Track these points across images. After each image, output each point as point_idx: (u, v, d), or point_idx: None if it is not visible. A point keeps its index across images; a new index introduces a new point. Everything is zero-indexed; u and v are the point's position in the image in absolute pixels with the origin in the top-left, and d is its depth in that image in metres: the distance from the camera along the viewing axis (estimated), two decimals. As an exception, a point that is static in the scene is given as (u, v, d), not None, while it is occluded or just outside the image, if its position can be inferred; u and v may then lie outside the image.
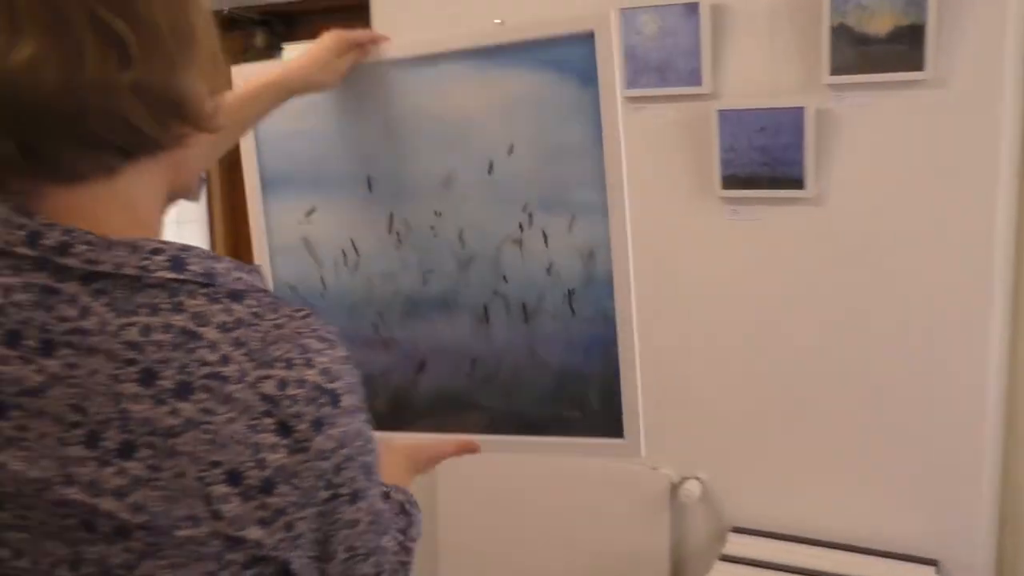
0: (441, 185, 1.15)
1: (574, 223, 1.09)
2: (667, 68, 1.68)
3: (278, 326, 0.71)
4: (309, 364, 0.71)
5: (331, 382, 0.72)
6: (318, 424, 0.72)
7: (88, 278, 0.71)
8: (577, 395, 1.13)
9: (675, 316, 1.73)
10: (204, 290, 0.71)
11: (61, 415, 0.70)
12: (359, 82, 1.17)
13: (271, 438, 0.70)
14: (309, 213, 1.23)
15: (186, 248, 0.71)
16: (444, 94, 1.13)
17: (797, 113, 1.56)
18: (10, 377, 0.69)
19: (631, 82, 1.70)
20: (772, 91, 1.61)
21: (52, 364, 0.69)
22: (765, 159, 1.62)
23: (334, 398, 0.72)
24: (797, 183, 1.59)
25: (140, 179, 0.75)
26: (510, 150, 1.11)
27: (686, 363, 1.73)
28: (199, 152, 0.80)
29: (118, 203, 0.74)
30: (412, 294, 1.19)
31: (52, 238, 0.70)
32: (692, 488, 1.70)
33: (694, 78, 1.65)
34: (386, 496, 0.88)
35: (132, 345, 0.69)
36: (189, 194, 0.84)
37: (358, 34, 1.17)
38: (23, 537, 0.71)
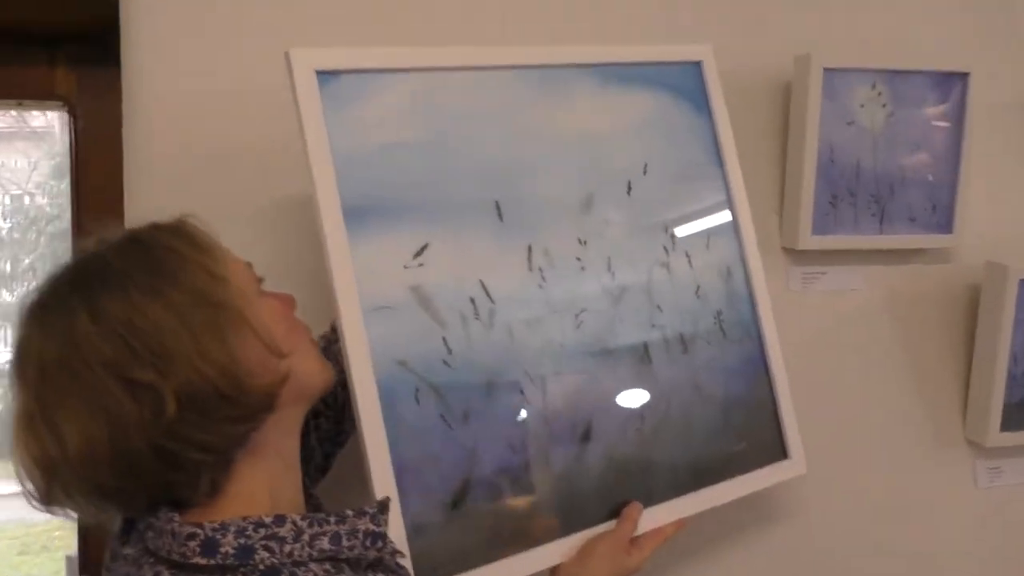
0: (581, 209, 0.99)
1: (710, 241, 1.07)
2: (893, 195, 1.11)
3: None
4: None
5: None
6: None
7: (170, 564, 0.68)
8: (741, 424, 1.06)
9: None
10: (241, 570, 0.67)
11: None
12: (474, 89, 0.94)
13: None
14: (419, 252, 0.88)
15: (224, 526, 0.68)
16: (571, 110, 1.00)
17: None
18: None
19: (821, 223, 1.12)
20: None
21: None
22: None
23: None
24: None
25: (247, 456, 0.72)
26: (644, 170, 1.04)
27: None
28: (306, 344, 0.78)
29: (226, 496, 0.71)
30: (566, 343, 0.95)
31: (153, 525, 0.69)
32: None
33: (941, 218, 1.12)
34: None
35: None
36: (320, 385, 0.78)
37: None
38: None
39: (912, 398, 1.26)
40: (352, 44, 0.96)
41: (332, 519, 0.70)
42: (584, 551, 0.90)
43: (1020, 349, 1.19)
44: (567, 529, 0.92)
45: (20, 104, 0.97)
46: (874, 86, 1.16)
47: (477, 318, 0.90)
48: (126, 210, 1.00)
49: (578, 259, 0.98)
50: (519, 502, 0.90)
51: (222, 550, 0.66)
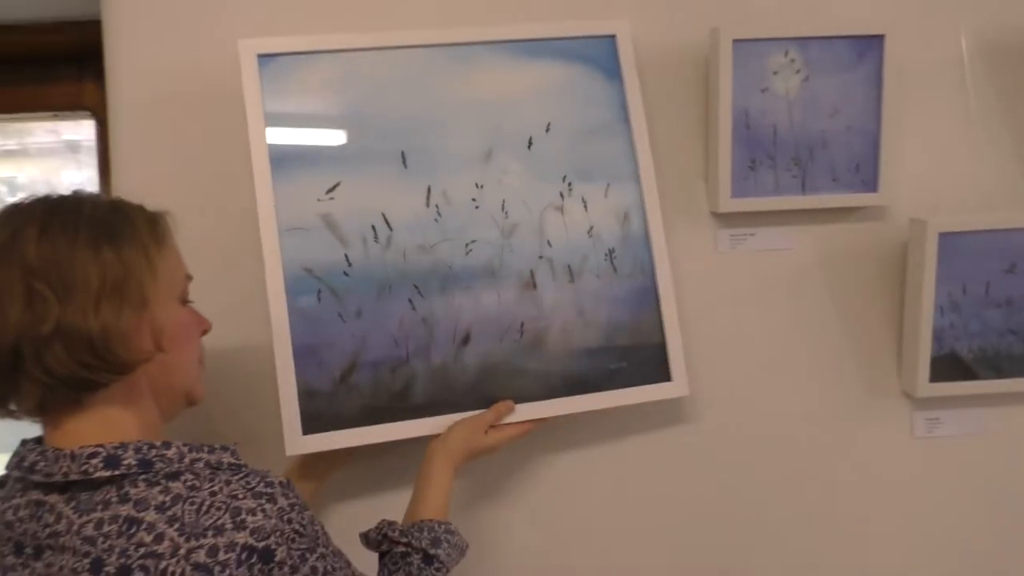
0: (481, 160, 1.21)
1: (609, 190, 1.25)
2: (813, 157, 1.18)
3: (213, 493, 0.80)
4: (240, 526, 0.78)
5: (263, 539, 0.78)
6: None
7: (64, 487, 0.81)
8: (624, 347, 1.22)
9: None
10: (143, 476, 0.80)
11: None
12: (389, 65, 1.20)
13: None
14: (331, 189, 1.16)
15: (123, 445, 0.81)
16: (480, 80, 1.23)
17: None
18: None
19: (740, 187, 1.22)
20: (983, 203, 1.24)
21: (39, 565, 0.80)
22: (1010, 324, 1.11)
23: (266, 555, 0.78)
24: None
25: (112, 396, 0.83)
26: (547, 128, 1.24)
27: None
28: (189, 358, 0.92)
29: (92, 420, 0.83)
30: (454, 265, 1.19)
31: (28, 459, 0.83)
32: None
33: (865, 176, 1.17)
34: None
35: (87, 539, 0.78)
36: (187, 387, 0.94)
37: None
38: None
39: (847, 352, 1.31)
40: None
41: (205, 449, 0.84)
42: (447, 428, 1.14)
43: (945, 303, 1.22)
44: (438, 411, 1.16)
45: (55, 116, 1.26)
46: (787, 53, 1.24)
47: (376, 241, 1.17)
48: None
49: (473, 200, 1.21)
50: (397, 384, 1.15)
51: (124, 462, 0.79)
